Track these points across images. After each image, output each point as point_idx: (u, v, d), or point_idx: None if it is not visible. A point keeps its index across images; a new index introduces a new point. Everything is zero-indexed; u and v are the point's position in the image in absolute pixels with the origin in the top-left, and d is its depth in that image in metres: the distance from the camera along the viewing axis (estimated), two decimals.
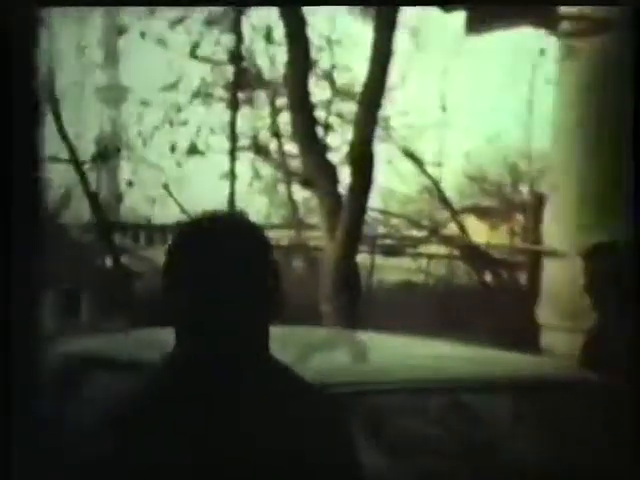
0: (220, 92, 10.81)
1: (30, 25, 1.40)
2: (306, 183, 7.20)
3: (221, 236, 1.92)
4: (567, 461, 3.11)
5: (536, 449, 3.21)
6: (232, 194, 9.95)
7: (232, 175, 9.87)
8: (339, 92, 10.36)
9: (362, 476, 1.99)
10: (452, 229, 10.59)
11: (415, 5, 7.58)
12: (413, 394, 3.08)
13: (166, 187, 11.09)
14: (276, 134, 10.75)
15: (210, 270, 1.89)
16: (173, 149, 10.83)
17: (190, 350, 1.93)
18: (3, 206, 1.37)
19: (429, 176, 10.68)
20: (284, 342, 3.52)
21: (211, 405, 1.88)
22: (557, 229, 7.45)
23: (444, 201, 10.58)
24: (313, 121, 6.95)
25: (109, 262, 10.99)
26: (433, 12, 8.55)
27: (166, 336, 3.14)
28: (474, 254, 9.70)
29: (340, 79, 10.47)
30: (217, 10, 9.82)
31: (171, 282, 1.94)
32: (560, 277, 7.14)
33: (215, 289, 1.89)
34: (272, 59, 10.01)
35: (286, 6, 6.59)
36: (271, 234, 8.13)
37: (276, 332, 3.85)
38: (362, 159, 6.18)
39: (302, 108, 6.69)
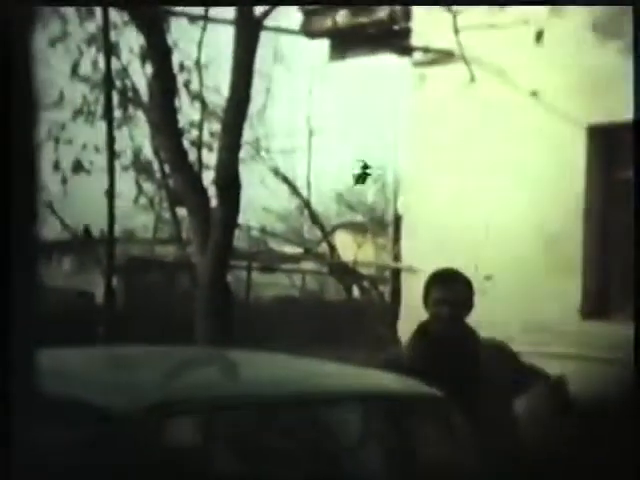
0: (103, 110, 10.64)
1: (29, 24, 1.35)
2: (178, 202, 7.13)
3: None
4: (412, 474, 3.15)
5: (383, 461, 3.25)
6: (112, 210, 9.75)
7: (111, 191, 9.67)
8: (210, 113, 10.35)
9: None
10: (323, 246, 10.70)
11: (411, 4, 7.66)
12: (267, 409, 3.08)
13: (50, 205, 10.84)
14: (157, 153, 10.64)
15: None
16: (57, 166, 10.59)
17: None
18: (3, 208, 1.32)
19: (300, 196, 10.76)
20: (152, 360, 3.45)
21: None
22: (412, 246, 7.63)
23: (314, 219, 10.68)
24: (180, 141, 6.90)
25: None
26: (298, 39, 8.65)
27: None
28: (343, 270, 9.81)
29: (211, 100, 10.48)
30: (95, 29, 9.67)
31: None
32: (416, 293, 7.27)
33: None
34: (147, 79, 9.93)
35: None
36: (157, 250, 7.98)
37: (145, 351, 3.82)
38: (227, 179, 6.15)
39: (169, 129, 6.64)
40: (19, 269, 1.30)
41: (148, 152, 10.91)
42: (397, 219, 8.77)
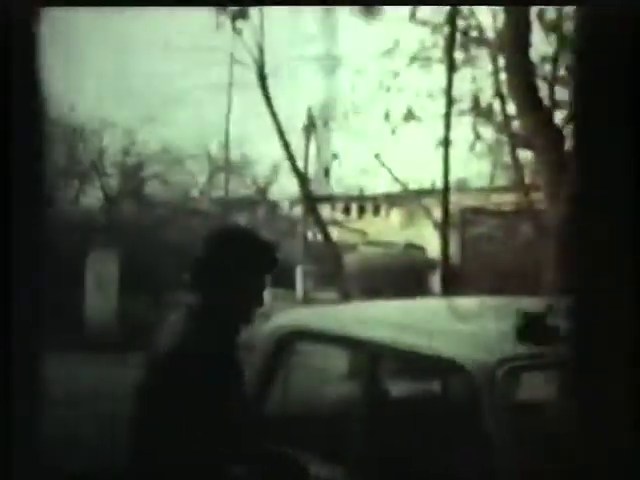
0: (439, 54, 10.36)
1: (31, 25, 1.41)
2: (524, 144, 6.66)
3: None
4: None
5: None
6: (447, 159, 9.49)
7: (447, 139, 9.43)
8: (566, 43, 9.58)
9: None
10: None
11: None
12: None
13: (377, 157, 10.85)
14: (498, 94, 10.17)
15: None
16: (387, 117, 10.59)
17: None
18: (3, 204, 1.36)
19: None
20: (501, 312, 3.18)
21: None
22: None
23: None
24: (532, 78, 6.38)
25: (319, 235, 10.98)
26: None
27: (375, 309, 2.74)
28: None
29: (568, 29, 9.68)
30: None
31: None
32: None
33: None
34: (494, 16, 9.43)
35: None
36: (494, 198, 7.55)
37: (493, 302, 3.46)
38: None
39: (520, 65, 6.16)
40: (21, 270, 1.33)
41: (488, 95, 10.48)
42: None
